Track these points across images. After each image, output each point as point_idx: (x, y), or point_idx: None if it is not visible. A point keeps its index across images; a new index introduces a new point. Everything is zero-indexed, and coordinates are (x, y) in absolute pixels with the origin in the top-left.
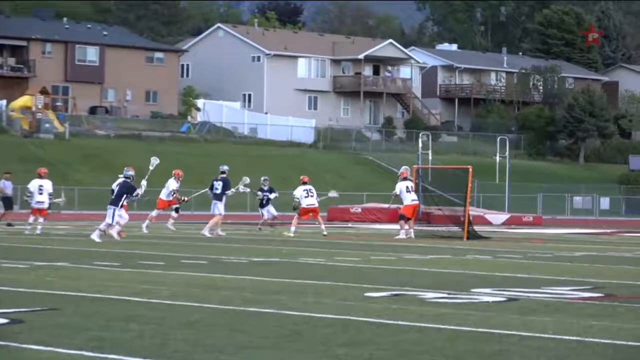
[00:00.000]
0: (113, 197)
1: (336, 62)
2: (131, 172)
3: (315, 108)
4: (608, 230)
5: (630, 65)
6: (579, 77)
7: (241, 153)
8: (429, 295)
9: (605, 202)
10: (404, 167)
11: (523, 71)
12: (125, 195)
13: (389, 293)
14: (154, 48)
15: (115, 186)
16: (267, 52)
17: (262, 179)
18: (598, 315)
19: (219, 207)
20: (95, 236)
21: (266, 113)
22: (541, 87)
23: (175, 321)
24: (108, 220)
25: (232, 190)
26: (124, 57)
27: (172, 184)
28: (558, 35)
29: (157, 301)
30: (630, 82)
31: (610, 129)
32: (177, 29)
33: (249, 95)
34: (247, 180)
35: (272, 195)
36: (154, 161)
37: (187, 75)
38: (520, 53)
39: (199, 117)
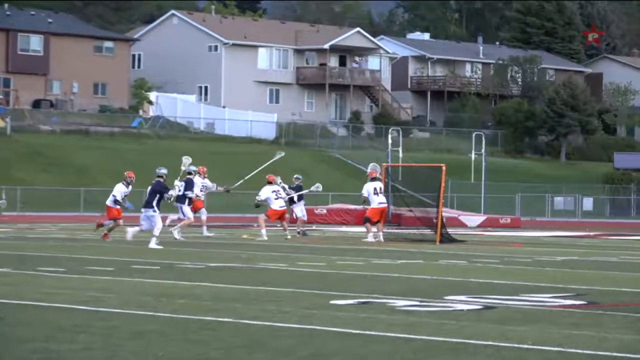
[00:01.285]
0: (147, 198)
1: (299, 52)
2: (164, 171)
3: (277, 102)
4: (591, 233)
5: (615, 56)
6: (560, 68)
7: (197, 150)
8: (399, 303)
9: (588, 203)
10: (371, 165)
11: (500, 62)
12: (158, 196)
13: (356, 301)
14: (103, 37)
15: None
16: (225, 41)
17: (294, 177)
18: (581, 325)
19: (184, 210)
20: (154, 244)
21: (224, 107)
22: (520, 80)
23: (126, 331)
24: (159, 225)
25: (197, 192)
26: (71, 46)
27: (198, 180)
28: (538, 23)
29: (105, 310)
30: (615, 73)
31: (594, 124)
32: (128, 16)
33: (206, 88)
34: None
35: (294, 195)
36: (186, 160)
37: (139, 66)
38: (498, 43)
39: (152, 112)
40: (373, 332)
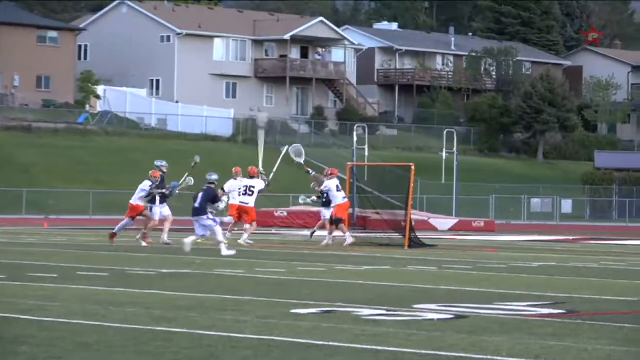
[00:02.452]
0: (196, 205)
1: (258, 43)
2: (215, 177)
3: (234, 96)
4: (570, 237)
5: (595, 48)
6: (537, 61)
7: (148, 148)
8: (365, 312)
9: (567, 205)
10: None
11: (473, 54)
12: (208, 204)
13: (319, 309)
14: (46, 26)
15: (142, 188)
16: (179, 31)
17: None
18: (559, 335)
19: (154, 212)
20: (225, 251)
21: (177, 102)
22: (494, 73)
23: (71, 342)
24: (219, 236)
25: (165, 191)
26: (11, 36)
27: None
28: (513, 13)
29: (50, 319)
30: (596, 67)
31: (573, 120)
32: (73, 4)
33: (157, 82)
34: (190, 181)
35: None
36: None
37: (86, 58)
38: (470, 34)
39: (99, 107)
40: (337, 344)
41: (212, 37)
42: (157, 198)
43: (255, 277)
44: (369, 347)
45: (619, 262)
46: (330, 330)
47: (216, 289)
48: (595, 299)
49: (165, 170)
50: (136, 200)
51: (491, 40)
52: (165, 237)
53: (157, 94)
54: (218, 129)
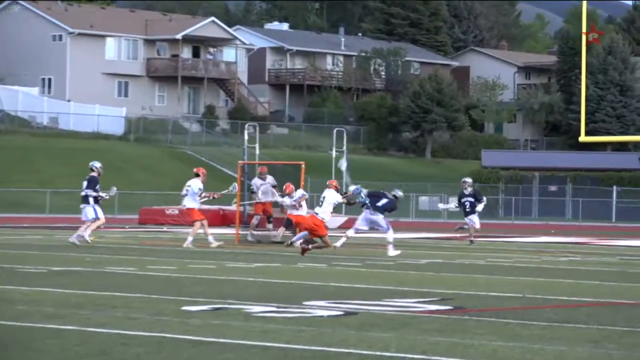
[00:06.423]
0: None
1: (150, 42)
2: (400, 193)
3: (126, 95)
4: (457, 235)
5: (482, 49)
6: (425, 61)
7: (40, 146)
8: (255, 308)
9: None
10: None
11: (363, 54)
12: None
13: (210, 307)
14: None
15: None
16: (71, 30)
17: (463, 180)
18: (446, 331)
19: (86, 212)
20: (392, 252)
21: (69, 100)
22: (383, 73)
23: None
24: (389, 229)
25: (103, 194)
26: None
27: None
28: (402, 14)
29: None
30: (483, 67)
31: (461, 120)
32: None
33: (49, 80)
34: (114, 190)
35: (480, 206)
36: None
37: None
38: (360, 34)
39: None
40: (227, 340)
41: (104, 36)
42: (91, 199)
43: (146, 274)
44: (258, 343)
45: (505, 259)
46: (220, 327)
47: (107, 286)
48: (481, 295)
49: (100, 172)
50: (192, 203)
51: (380, 40)
52: (86, 234)
53: (49, 92)
54: (110, 127)
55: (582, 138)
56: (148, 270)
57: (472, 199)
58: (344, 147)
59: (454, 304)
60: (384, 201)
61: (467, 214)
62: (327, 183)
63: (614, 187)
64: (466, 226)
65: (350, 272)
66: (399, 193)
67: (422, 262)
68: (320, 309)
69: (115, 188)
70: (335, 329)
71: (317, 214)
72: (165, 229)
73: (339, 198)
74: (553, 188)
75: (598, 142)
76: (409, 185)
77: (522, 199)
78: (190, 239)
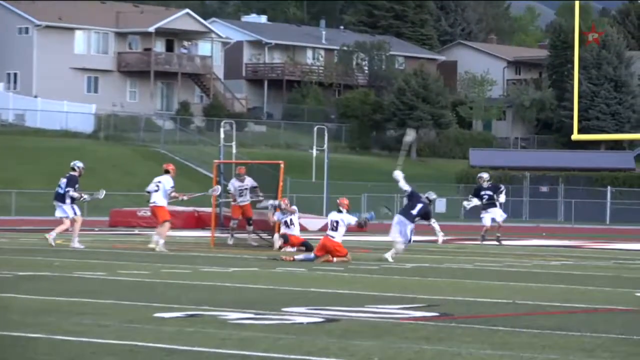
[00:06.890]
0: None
1: (121, 35)
2: (434, 196)
3: (96, 91)
4: (445, 238)
5: (470, 43)
6: (410, 55)
7: (5, 144)
8: (232, 315)
9: (441, 204)
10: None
11: (345, 48)
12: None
13: (184, 313)
14: None
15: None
16: (37, 23)
17: (479, 175)
18: (432, 338)
19: (63, 210)
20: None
21: (36, 97)
22: (366, 68)
23: None
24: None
25: (85, 196)
26: None
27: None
28: (386, 6)
29: None
30: (471, 62)
31: (448, 117)
32: None
33: (15, 75)
34: (102, 193)
35: (502, 198)
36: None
37: None
38: (342, 27)
39: None
40: (202, 349)
41: (72, 29)
42: (68, 199)
43: (117, 279)
44: (235, 352)
45: (494, 263)
46: (195, 334)
47: (76, 292)
48: (469, 301)
49: (82, 172)
50: (162, 200)
51: (363, 34)
52: (53, 234)
53: (15, 88)
54: (79, 125)
55: (575, 136)
56: (119, 275)
57: (490, 192)
58: (325, 146)
59: (441, 310)
60: (418, 207)
61: (485, 207)
62: (338, 202)
63: (608, 188)
64: (485, 231)
65: (332, 278)
66: (433, 196)
67: (407, 266)
68: (300, 315)
69: (104, 191)
70: (316, 337)
71: (333, 237)
72: (137, 232)
73: (352, 220)
74: (544, 189)
75: (591, 140)
76: (393, 186)
77: (512, 200)
78: (162, 241)
